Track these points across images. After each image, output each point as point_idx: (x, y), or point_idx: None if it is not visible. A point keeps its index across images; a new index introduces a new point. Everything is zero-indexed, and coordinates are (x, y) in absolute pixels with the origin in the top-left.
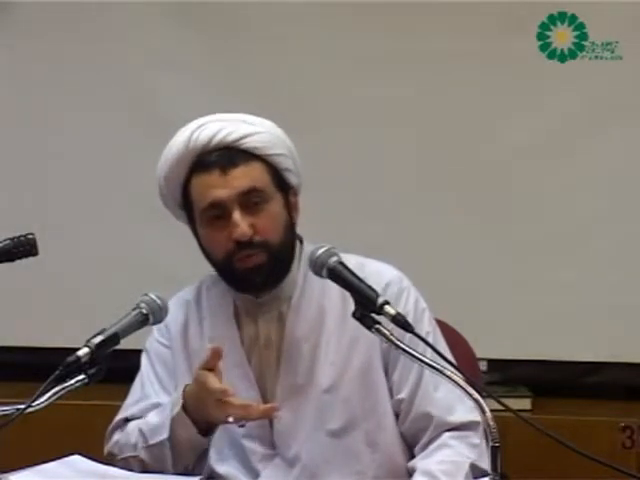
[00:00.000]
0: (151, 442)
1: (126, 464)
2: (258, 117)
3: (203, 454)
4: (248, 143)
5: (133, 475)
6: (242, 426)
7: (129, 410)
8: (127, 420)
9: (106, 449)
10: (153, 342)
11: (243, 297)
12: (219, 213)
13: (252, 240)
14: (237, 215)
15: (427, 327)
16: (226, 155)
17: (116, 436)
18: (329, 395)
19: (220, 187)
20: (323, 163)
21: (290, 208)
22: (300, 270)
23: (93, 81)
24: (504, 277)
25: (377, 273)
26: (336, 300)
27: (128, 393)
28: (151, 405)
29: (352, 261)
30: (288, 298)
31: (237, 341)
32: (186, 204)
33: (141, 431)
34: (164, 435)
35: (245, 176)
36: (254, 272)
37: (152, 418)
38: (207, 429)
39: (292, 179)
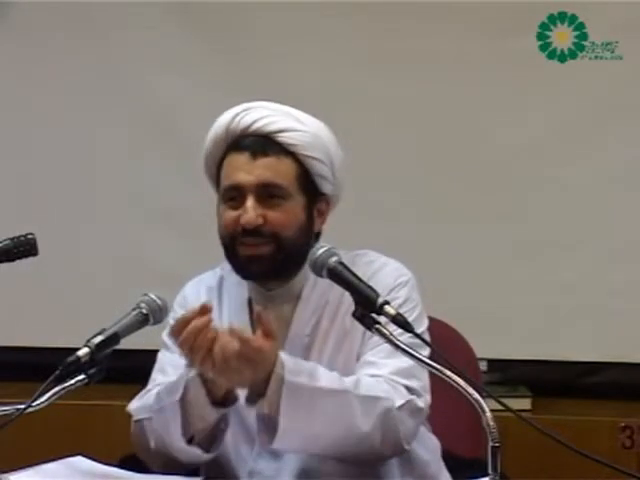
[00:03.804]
0: (164, 401)
1: (141, 427)
2: (312, 117)
3: (214, 438)
4: (284, 137)
5: (134, 475)
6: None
7: (161, 378)
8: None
9: (128, 407)
10: (176, 316)
11: (255, 288)
12: (236, 195)
13: (260, 230)
14: (250, 202)
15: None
16: (260, 142)
17: (142, 400)
18: None
19: (244, 172)
20: None
21: (312, 213)
22: None
23: (93, 81)
24: (504, 277)
25: (380, 270)
26: (337, 293)
27: (128, 393)
28: (183, 365)
29: (362, 260)
30: (299, 293)
31: (249, 329)
32: (218, 179)
33: (157, 393)
34: (176, 397)
35: (270, 168)
36: (254, 261)
37: (171, 379)
38: (220, 401)
39: (325, 187)
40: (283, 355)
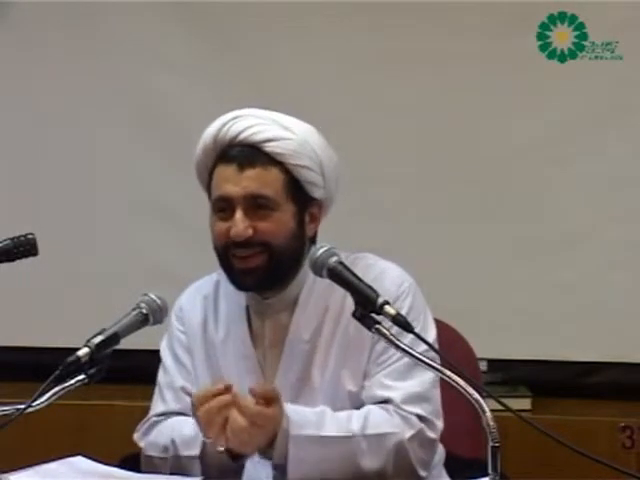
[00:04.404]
0: (182, 454)
1: (150, 461)
2: (301, 122)
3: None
4: (271, 147)
5: (134, 475)
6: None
7: (161, 406)
8: (162, 415)
9: (137, 438)
10: (173, 330)
11: (251, 296)
12: (226, 207)
13: (250, 241)
14: (239, 215)
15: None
16: (247, 153)
17: (151, 436)
18: None
19: (232, 183)
20: None
21: (303, 219)
22: (310, 271)
23: (93, 81)
24: (504, 277)
25: (381, 275)
26: (338, 299)
27: (128, 393)
28: (179, 388)
29: (362, 263)
30: (295, 300)
31: (247, 336)
32: (209, 188)
33: (173, 441)
34: (195, 451)
35: (257, 179)
36: (249, 273)
37: (186, 430)
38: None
39: (316, 192)
40: (289, 409)
